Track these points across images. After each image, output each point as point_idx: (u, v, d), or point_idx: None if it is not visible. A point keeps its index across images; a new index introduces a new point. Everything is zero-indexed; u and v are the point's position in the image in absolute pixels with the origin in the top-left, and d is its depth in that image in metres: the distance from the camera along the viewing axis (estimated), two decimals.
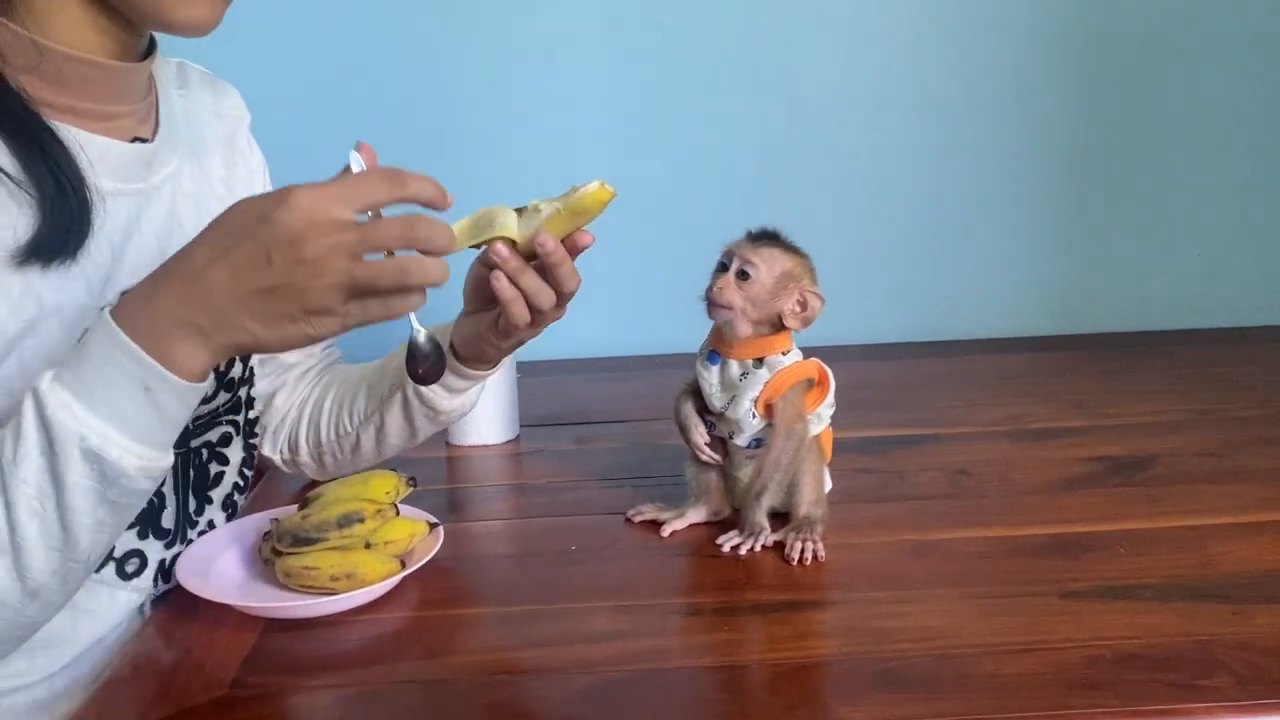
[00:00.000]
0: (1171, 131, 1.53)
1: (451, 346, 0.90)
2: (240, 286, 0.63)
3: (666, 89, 1.51)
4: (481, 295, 0.85)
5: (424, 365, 0.76)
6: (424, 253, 0.65)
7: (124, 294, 0.70)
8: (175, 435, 0.69)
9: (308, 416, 1.03)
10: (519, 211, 0.78)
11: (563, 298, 0.81)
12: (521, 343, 0.87)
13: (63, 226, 0.73)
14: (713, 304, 0.90)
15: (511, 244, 0.77)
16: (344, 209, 0.63)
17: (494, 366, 0.93)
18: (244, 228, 0.63)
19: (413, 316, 0.72)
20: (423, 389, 0.92)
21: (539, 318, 0.81)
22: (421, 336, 0.75)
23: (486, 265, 0.79)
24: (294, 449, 1.04)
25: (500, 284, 0.77)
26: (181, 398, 0.66)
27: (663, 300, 1.53)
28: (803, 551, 0.87)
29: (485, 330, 0.87)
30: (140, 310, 0.65)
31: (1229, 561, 0.84)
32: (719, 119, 1.52)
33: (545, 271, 0.79)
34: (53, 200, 0.73)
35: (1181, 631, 0.74)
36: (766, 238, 0.91)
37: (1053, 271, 1.58)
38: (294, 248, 0.62)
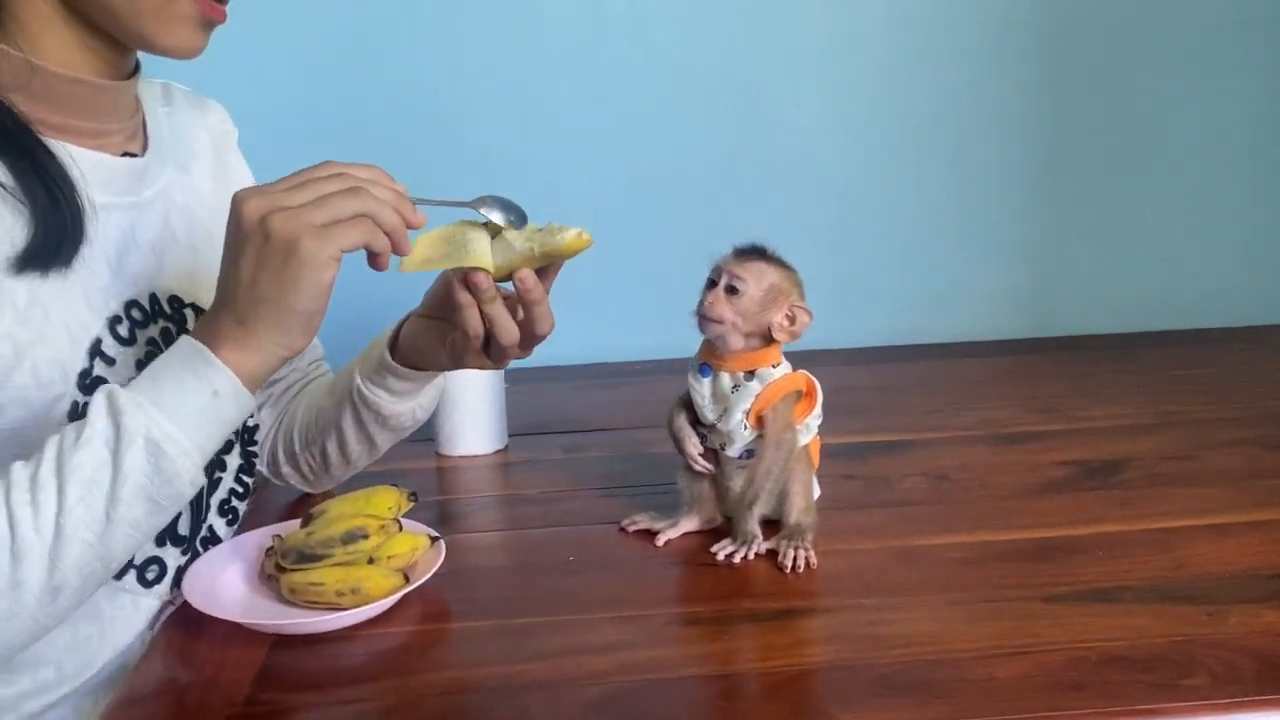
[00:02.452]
0: (1138, 137, 1.58)
1: (395, 339, 0.92)
2: (249, 278, 0.69)
3: (650, 99, 1.53)
4: (444, 303, 0.86)
5: None
6: (378, 220, 0.71)
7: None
8: (219, 447, 0.74)
9: (285, 428, 1.05)
10: (489, 230, 0.79)
11: (532, 339, 0.82)
12: (478, 366, 0.88)
13: (57, 235, 0.76)
14: (704, 319, 0.92)
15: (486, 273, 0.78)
16: (281, 186, 0.71)
17: (429, 375, 0.94)
18: (231, 237, 0.71)
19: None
20: (366, 392, 0.93)
21: (497, 351, 0.83)
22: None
23: (461, 279, 0.80)
24: (276, 461, 1.06)
25: (462, 296, 0.79)
26: (241, 405, 0.72)
27: (646, 306, 1.56)
28: (795, 559, 0.90)
29: (434, 339, 0.88)
30: (206, 326, 0.73)
31: (1200, 563, 0.88)
32: (699, 128, 1.54)
33: (522, 308, 0.80)
34: (45, 210, 0.75)
35: (1160, 633, 0.77)
36: (753, 252, 0.94)
37: (1022, 276, 1.62)
38: (262, 227, 0.68)
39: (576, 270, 1.50)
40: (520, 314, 0.81)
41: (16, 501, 0.66)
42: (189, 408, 0.70)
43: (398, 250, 0.72)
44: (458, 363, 0.88)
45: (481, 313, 0.80)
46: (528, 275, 0.78)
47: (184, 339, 0.72)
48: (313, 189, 0.69)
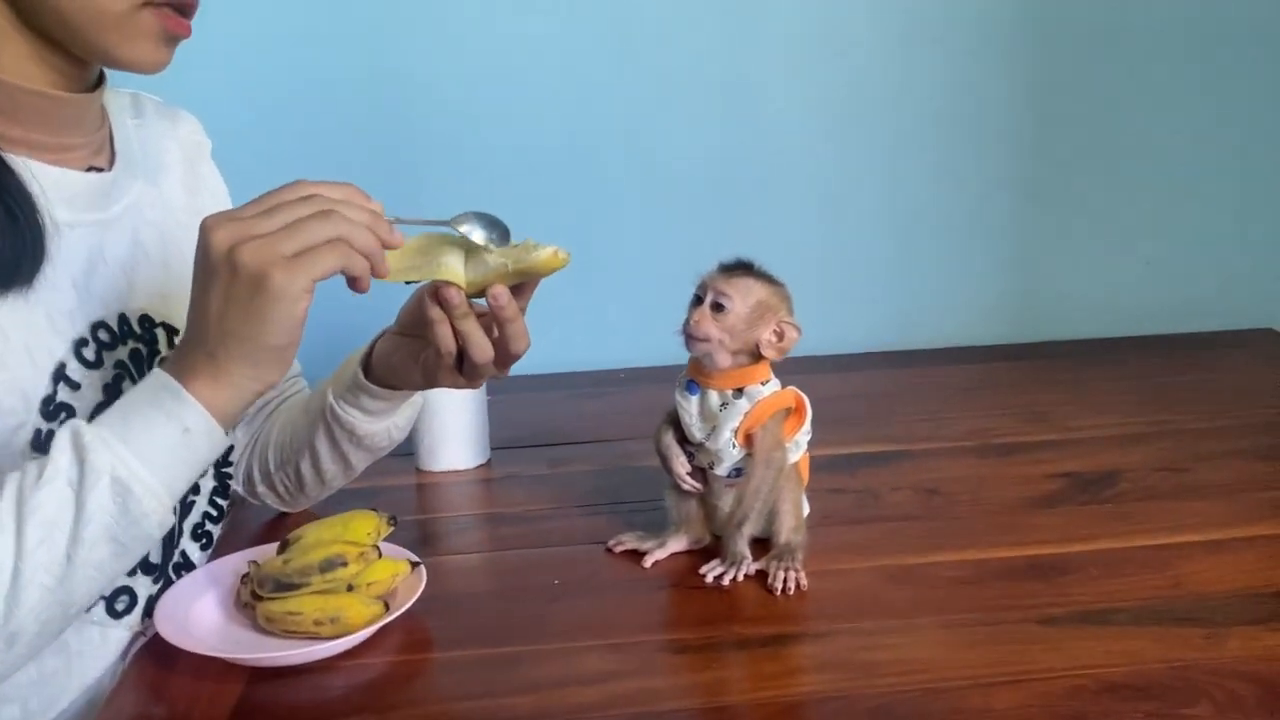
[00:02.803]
0: (1125, 141, 1.56)
1: (369, 357, 0.89)
2: (217, 312, 0.66)
3: (635, 106, 1.50)
4: (417, 319, 0.83)
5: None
6: (352, 243, 0.67)
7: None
8: (188, 486, 0.71)
9: (260, 447, 1.02)
10: (463, 244, 0.76)
11: (508, 358, 0.79)
12: (453, 385, 0.85)
13: (15, 254, 0.73)
14: (690, 337, 0.90)
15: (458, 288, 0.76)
16: (250, 211, 0.67)
17: (404, 394, 0.91)
18: (199, 267, 0.68)
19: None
20: (339, 411, 0.91)
21: (471, 369, 0.80)
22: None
23: (432, 294, 0.77)
24: (251, 480, 1.03)
25: (433, 312, 0.76)
26: (213, 443, 0.69)
27: (627, 313, 1.54)
28: (785, 580, 0.88)
29: (408, 357, 0.85)
30: (177, 359, 0.70)
31: (1197, 582, 0.87)
32: (681, 134, 1.52)
33: (496, 325, 0.77)
34: (3, 228, 0.72)
35: (1158, 658, 0.76)
36: (739, 268, 0.91)
37: (1009, 281, 1.60)
38: (229, 259, 0.65)
39: (561, 275, 1.49)
40: (495, 331, 0.79)
41: None
42: (158, 445, 0.67)
43: (375, 273, 0.69)
44: (431, 381, 0.85)
45: (455, 329, 0.77)
46: (501, 291, 0.75)
47: (154, 373, 0.69)
48: (283, 214, 0.66)
